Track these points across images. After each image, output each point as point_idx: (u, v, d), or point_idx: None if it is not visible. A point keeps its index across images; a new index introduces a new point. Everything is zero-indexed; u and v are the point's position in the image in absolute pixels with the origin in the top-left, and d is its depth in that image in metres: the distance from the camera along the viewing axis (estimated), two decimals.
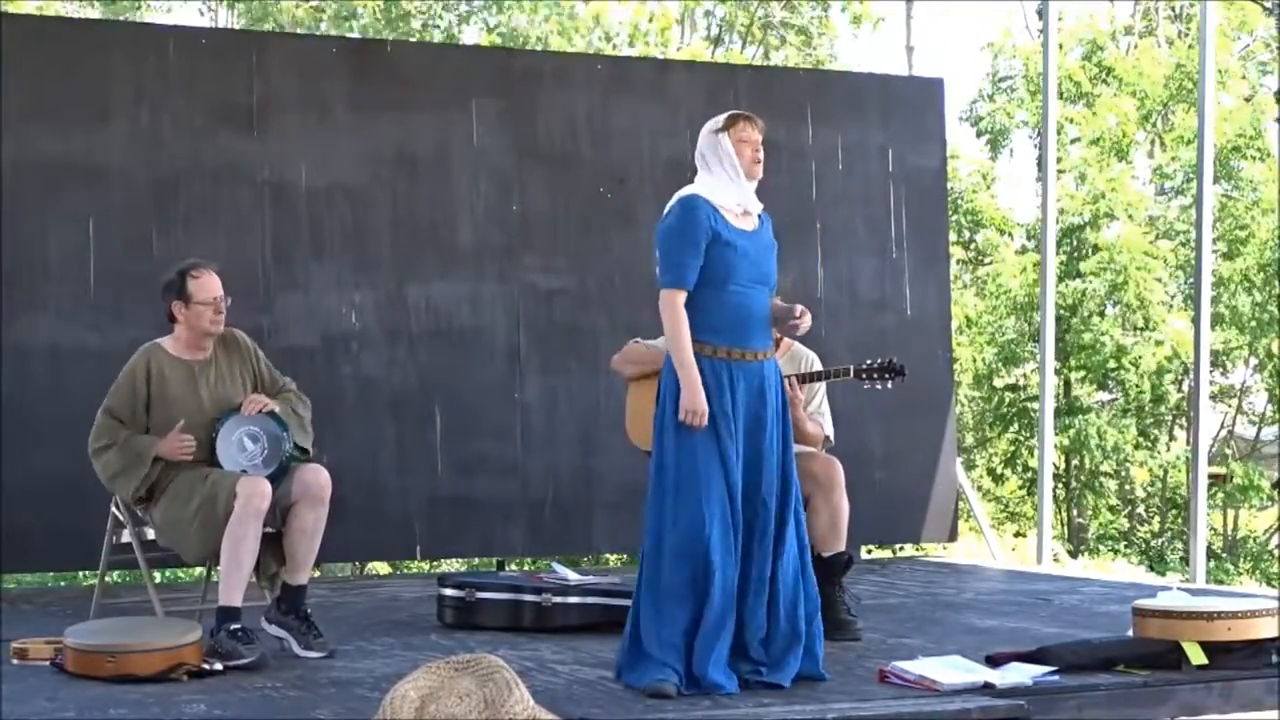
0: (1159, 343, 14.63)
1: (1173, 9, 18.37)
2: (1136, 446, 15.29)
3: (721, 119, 4.86)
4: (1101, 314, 14.79)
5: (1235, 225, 14.83)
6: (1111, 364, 14.59)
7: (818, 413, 6.15)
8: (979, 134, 17.12)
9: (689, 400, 4.66)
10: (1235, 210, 14.95)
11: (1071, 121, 15.64)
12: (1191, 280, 14.96)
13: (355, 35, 17.35)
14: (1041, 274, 10.12)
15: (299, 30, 17.87)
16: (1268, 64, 17.62)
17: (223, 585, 5.19)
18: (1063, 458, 15.08)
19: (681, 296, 4.71)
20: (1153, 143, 15.72)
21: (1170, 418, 15.88)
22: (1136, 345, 14.65)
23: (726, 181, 4.80)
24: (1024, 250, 15.99)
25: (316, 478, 5.37)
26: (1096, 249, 14.75)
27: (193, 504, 5.31)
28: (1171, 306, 15.02)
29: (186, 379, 5.51)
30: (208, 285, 5.49)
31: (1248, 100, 16.08)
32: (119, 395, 5.50)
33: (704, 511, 4.65)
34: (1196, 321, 8.88)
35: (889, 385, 6.10)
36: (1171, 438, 15.88)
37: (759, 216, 4.90)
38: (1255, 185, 14.53)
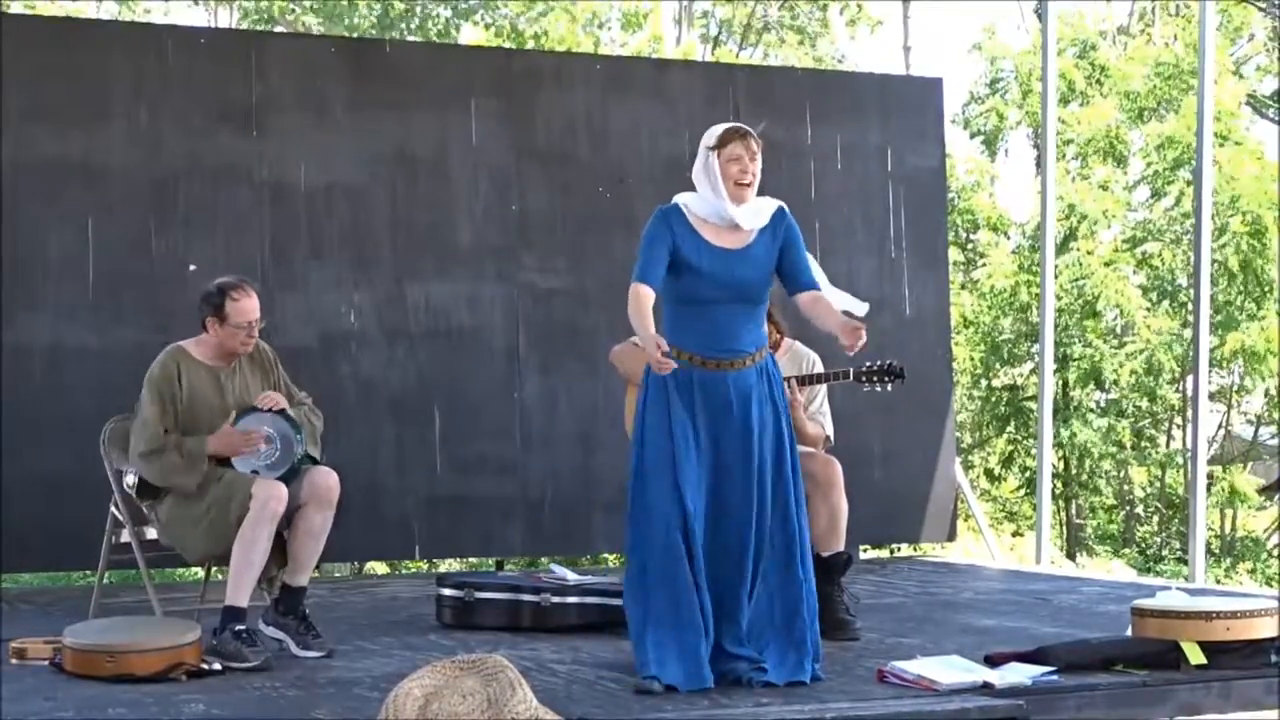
0: (1139, 341, 14.61)
1: (1169, 9, 18.37)
2: (1133, 448, 15.29)
3: (715, 135, 4.86)
4: (1094, 315, 14.79)
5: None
6: (1103, 365, 14.58)
7: (818, 413, 6.15)
8: (971, 136, 17.13)
9: (646, 346, 4.65)
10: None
11: (1064, 123, 15.64)
12: (1175, 281, 15.02)
13: (354, 35, 17.36)
14: (1042, 274, 10.12)
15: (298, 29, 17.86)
16: (1266, 66, 17.63)
17: (231, 585, 5.19)
18: (1061, 458, 15.09)
19: (644, 289, 4.76)
20: (1150, 145, 15.70)
21: (1168, 418, 15.88)
22: (1117, 352, 14.63)
23: (712, 198, 4.83)
24: (1019, 250, 15.99)
25: (326, 480, 5.38)
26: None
27: (203, 503, 5.31)
28: (1159, 308, 14.99)
29: (211, 384, 5.52)
30: (245, 309, 5.48)
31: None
32: (159, 401, 5.44)
33: (674, 505, 4.71)
34: (1196, 321, 8.88)
35: (888, 388, 6.11)
36: (1170, 437, 15.89)
37: (761, 229, 4.86)
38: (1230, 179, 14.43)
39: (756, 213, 4.88)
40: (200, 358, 5.55)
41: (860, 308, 6.14)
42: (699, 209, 4.84)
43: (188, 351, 5.56)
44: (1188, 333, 14.11)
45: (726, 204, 4.81)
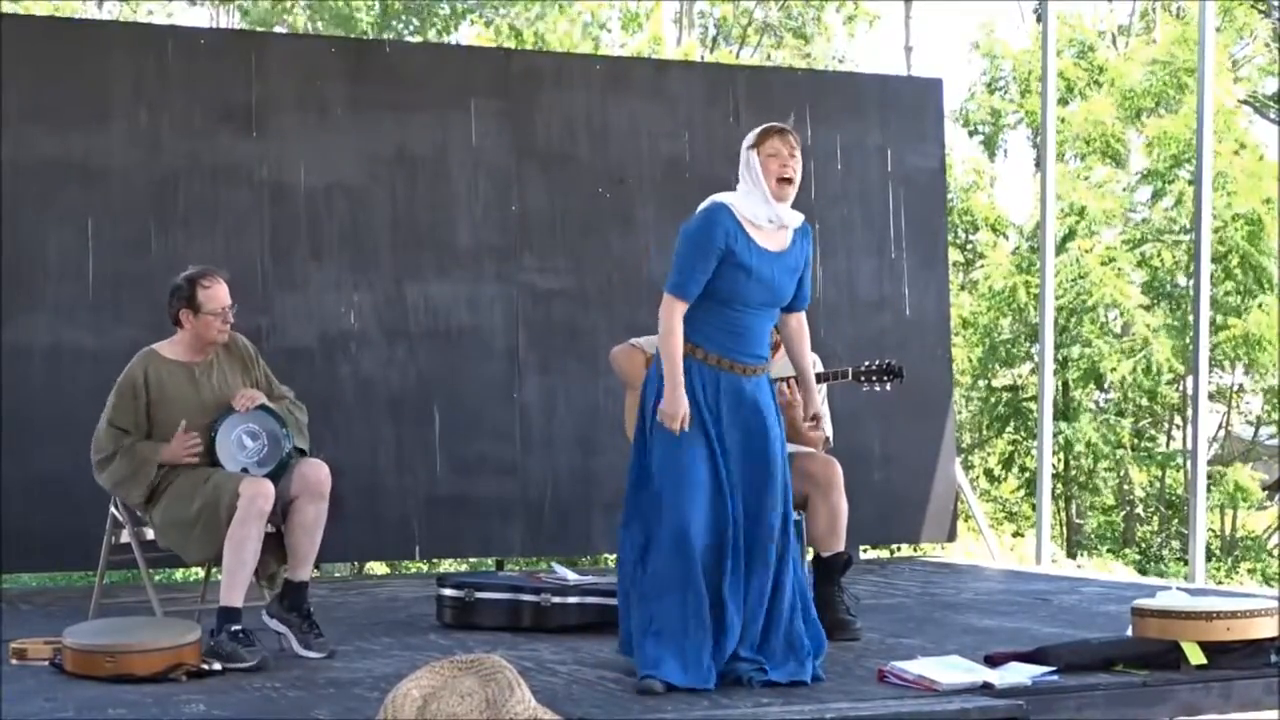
0: (1136, 340, 14.60)
1: (1169, 9, 18.37)
2: (1133, 448, 15.29)
3: (754, 134, 4.86)
4: (1089, 311, 14.78)
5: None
6: (1102, 367, 14.57)
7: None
8: (971, 134, 17.12)
9: (669, 404, 4.71)
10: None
11: (1062, 122, 15.64)
12: (1174, 280, 15.00)
13: (354, 35, 17.36)
14: (1041, 274, 10.12)
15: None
16: (1266, 66, 17.63)
17: (224, 585, 5.19)
18: (1061, 459, 15.08)
19: (681, 305, 4.75)
20: (1150, 140, 15.68)
21: (1167, 417, 15.88)
22: (1114, 352, 14.62)
23: (759, 198, 4.80)
24: (1018, 250, 15.99)
25: (316, 472, 5.37)
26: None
27: (194, 505, 5.31)
28: (1158, 308, 14.98)
29: (187, 381, 5.51)
30: (217, 295, 5.50)
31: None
32: (120, 406, 5.49)
33: (690, 509, 4.68)
34: (1196, 322, 8.88)
35: (887, 387, 6.12)
36: (1170, 438, 15.89)
37: (795, 232, 4.87)
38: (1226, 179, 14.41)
39: (793, 214, 4.88)
40: (173, 357, 5.55)
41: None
42: (745, 209, 4.79)
43: (159, 353, 5.56)
44: (1187, 329, 14.12)
45: (770, 200, 4.79)
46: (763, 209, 4.79)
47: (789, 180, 4.81)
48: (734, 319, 4.78)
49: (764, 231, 4.79)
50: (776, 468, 4.82)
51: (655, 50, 18.11)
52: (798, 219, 4.89)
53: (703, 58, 19.87)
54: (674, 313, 4.75)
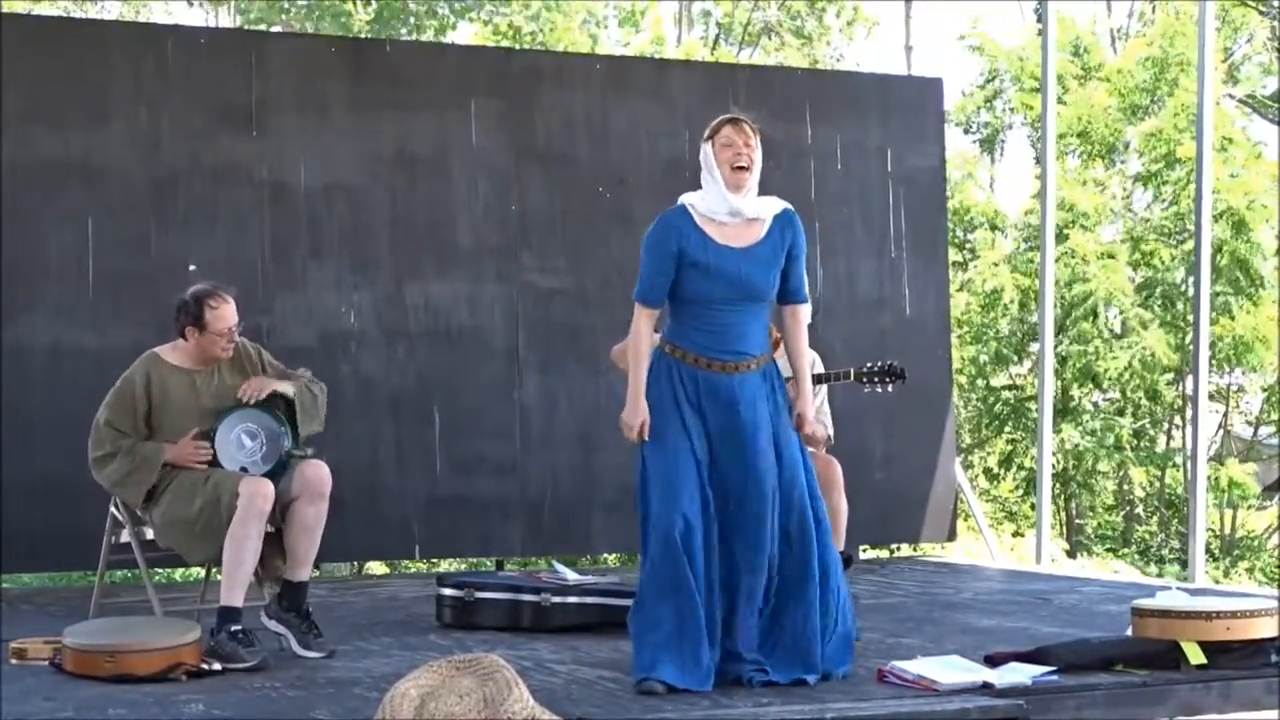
0: (1132, 344, 14.57)
1: (1168, 10, 18.36)
2: (1133, 448, 15.26)
3: (710, 126, 4.82)
4: (1094, 316, 14.75)
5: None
6: (1099, 366, 14.55)
7: (819, 413, 6.14)
8: (965, 132, 17.10)
9: (627, 414, 4.78)
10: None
11: (1060, 118, 15.59)
12: (1172, 280, 14.97)
13: (354, 35, 17.34)
14: (1041, 274, 10.13)
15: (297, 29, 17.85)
16: (1267, 65, 17.62)
17: (224, 585, 5.19)
18: (1060, 458, 15.06)
19: (647, 311, 4.81)
20: (1142, 140, 15.64)
21: (1167, 418, 15.86)
22: (1114, 351, 14.59)
23: (716, 192, 4.77)
24: (1017, 247, 15.97)
25: (316, 473, 5.37)
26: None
27: (195, 505, 5.31)
28: (1154, 306, 14.94)
29: (188, 387, 5.52)
30: (224, 316, 5.51)
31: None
32: (118, 406, 5.51)
33: (676, 511, 4.66)
34: (1196, 321, 8.88)
35: (889, 388, 6.12)
36: (1169, 437, 15.86)
37: (773, 222, 4.81)
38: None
39: (760, 204, 4.82)
40: (176, 363, 5.56)
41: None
42: (704, 206, 4.78)
43: (162, 358, 5.57)
44: (1182, 331, 14.11)
45: (724, 190, 4.74)
46: (720, 203, 4.75)
47: (744, 169, 4.74)
48: (709, 317, 4.76)
49: (727, 227, 4.76)
50: (763, 469, 4.74)
51: (657, 50, 18.11)
52: (771, 207, 4.83)
53: (704, 57, 19.88)
54: (638, 319, 4.81)
